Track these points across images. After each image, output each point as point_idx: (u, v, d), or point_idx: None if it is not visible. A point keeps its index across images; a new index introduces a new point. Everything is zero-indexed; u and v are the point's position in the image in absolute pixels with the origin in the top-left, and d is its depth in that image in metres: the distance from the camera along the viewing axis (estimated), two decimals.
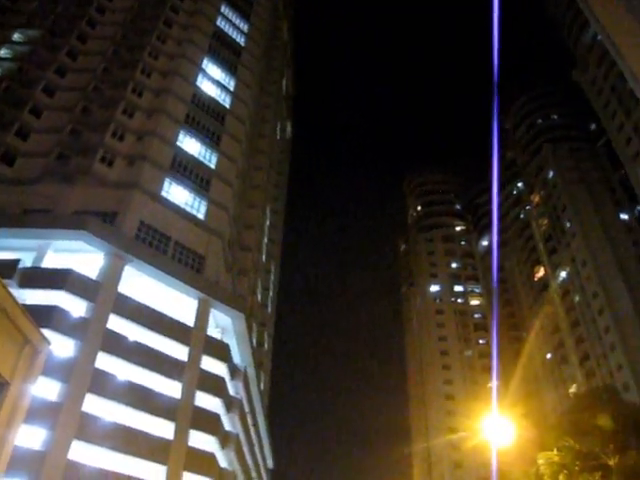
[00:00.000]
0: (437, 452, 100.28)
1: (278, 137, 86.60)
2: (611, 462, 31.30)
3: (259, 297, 64.54)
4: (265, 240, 71.57)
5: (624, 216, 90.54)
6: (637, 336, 72.13)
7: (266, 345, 66.21)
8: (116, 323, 35.81)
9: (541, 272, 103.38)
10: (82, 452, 31.19)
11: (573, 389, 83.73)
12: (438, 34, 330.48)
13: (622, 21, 55.51)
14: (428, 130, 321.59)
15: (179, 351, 38.35)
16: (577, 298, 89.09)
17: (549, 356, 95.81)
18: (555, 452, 33.46)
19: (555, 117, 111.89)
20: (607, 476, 31.04)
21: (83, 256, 37.72)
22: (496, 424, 31.42)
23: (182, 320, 39.68)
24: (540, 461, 34.05)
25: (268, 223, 75.31)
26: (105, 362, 34.19)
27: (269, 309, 72.82)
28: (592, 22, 63.97)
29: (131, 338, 36.45)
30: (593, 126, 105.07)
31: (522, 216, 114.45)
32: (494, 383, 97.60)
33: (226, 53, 64.03)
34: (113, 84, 52.07)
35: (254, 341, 53.32)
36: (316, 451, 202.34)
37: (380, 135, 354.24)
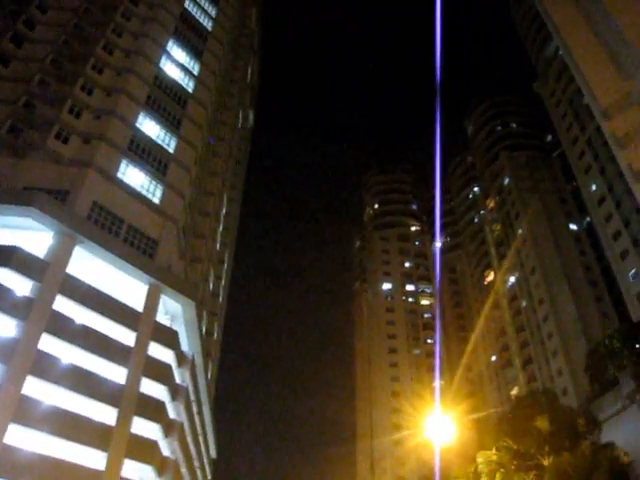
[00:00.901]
0: (381, 449, 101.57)
1: (239, 125, 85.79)
2: (545, 462, 32.37)
3: (211, 286, 63.91)
4: (220, 228, 70.87)
5: (573, 227, 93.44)
6: (578, 343, 74.56)
7: (215, 335, 65.59)
8: (62, 305, 34.84)
9: (491, 276, 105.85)
10: (20, 436, 30.33)
11: (515, 391, 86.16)
12: (409, 32, 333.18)
13: (583, 39, 57.19)
14: (390, 128, 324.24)
15: (126, 336, 37.63)
16: (524, 303, 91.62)
17: (494, 358, 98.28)
18: (494, 451, 34.36)
19: (514, 125, 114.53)
20: (541, 476, 32.07)
21: (31, 234, 36.49)
22: (439, 423, 32.09)
23: (131, 305, 38.94)
24: (479, 460, 34.90)
25: (224, 211, 74.55)
26: (49, 344, 33.25)
27: (220, 299, 72.17)
28: (555, 37, 65.76)
29: (78, 321, 35.55)
30: (550, 137, 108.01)
31: (476, 220, 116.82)
32: (437, 383, 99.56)
33: (192, 37, 62.95)
34: (73, 58, 50.35)
35: (204, 330, 52.84)
36: (260, 444, 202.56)
37: (342, 129, 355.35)
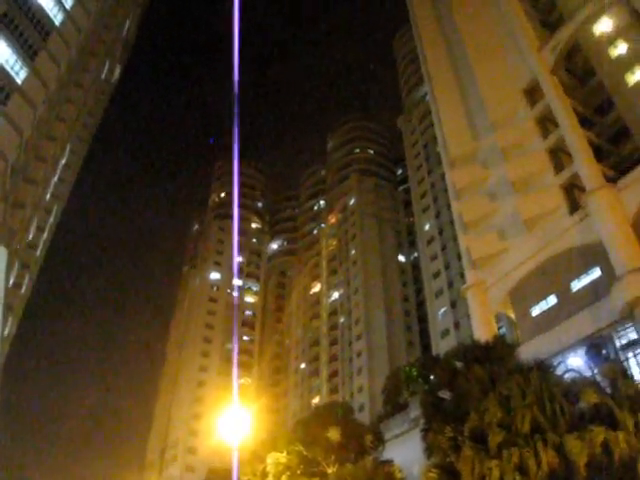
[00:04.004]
0: (175, 435, 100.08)
1: (103, 77, 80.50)
2: (329, 471, 34.02)
3: (30, 236, 59.02)
4: (55, 178, 65.86)
5: (402, 258, 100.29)
6: (382, 366, 79.66)
7: (24, 289, 60.55)
8: None
9: (317, 288, 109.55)
10: None
11: (316, 400, 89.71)
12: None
13: (449, 93, 61.81)
14: (256, 121, 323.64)
15: None
16: (342, 319, 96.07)
17: (303, 366, 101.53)
18: (284, 454, 35.34)
19: (371, 152, 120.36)
20: None
21: None
22: (237, 419, 32.31)
23: None
24: (269, 460, 35.67)
25: (64, 161, 69.41)
26: None
27: (38, 251, 66.83)
28: (426, 84, 70.31)
29: None
30: (400, 171, 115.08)
31: (315, 232, 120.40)
32: (236, 381, 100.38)
33: None
34: None
35: (11, 281, 48.53)
36: (44, 422, 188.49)
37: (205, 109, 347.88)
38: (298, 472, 34.26)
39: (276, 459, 35.61)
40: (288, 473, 34.32)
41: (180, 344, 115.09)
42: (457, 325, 68.46)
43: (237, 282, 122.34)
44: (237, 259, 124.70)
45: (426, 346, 79.54)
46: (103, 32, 70.63)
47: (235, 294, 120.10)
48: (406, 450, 35.50)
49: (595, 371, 23.99)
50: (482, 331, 43.93)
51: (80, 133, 76.87)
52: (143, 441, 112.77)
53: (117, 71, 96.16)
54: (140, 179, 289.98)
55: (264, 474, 35.02)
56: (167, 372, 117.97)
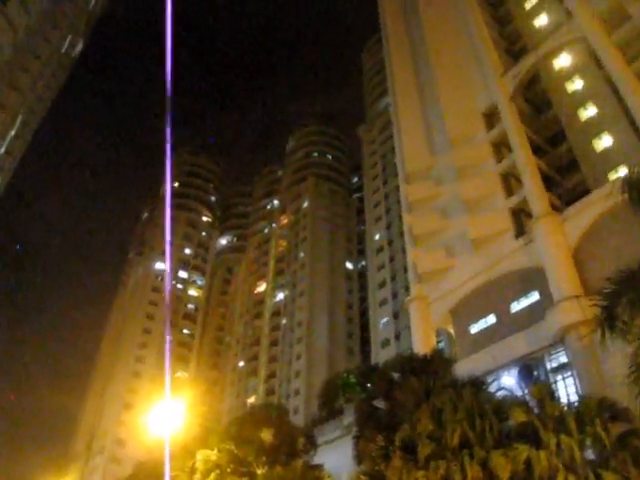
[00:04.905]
0: (104, 426, 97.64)
1: (63, 50, 78.19)
2: (259, 471, 33.96)
3: None
4: (2, 150, 63.56)
5: (349, 265, 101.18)
6: (321, 370, 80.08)
7: None
8: None
9: (263, 287, 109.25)
10: None
11: (252, 400, 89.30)
12: None
13: (411, 108, 62.90)
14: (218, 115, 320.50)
15: None
16: (284, 321, 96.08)
17: (242, 364, 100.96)
18: (215, 452, 35.08)
19: (330, 157, 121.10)
20: None
21: None
22: (169, 412, 31.88)
23: None
24: (199, 457, 35.31)
25: (13, 133, 67.07)
26: None
27: None
28: (390, 96, 71.28)
29: None
30: (356, 179, 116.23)
31: (266, 231, 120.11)
32: (167, 372, 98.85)
33: None
34: None
35: None
36: None
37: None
38: (228, 470, 34.05)
39: (206, 456, 35.30)
40: (217, 471, 34.07)
41: (118, 333, 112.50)
42: (398, 336, 69.44)
43: (164, 266, 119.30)
44: (168, 249, 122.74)
45: (366, 354, 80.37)
46: (67, 4, 68.70)
47: (167, 281, 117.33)
48: (337, 456, 35.83)
49: (525, 391, 24.79)
50: (421, 344, 44.79)
51: (34, 105, 74.41)
52: (71, 433, 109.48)
53: (79, 46, 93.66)
54: (95, 159, 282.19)
55: (192, 470, 34.66)
56: (101, 361, 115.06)
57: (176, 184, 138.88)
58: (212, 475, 33.71)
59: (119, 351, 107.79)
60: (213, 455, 35.27)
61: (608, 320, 16.77)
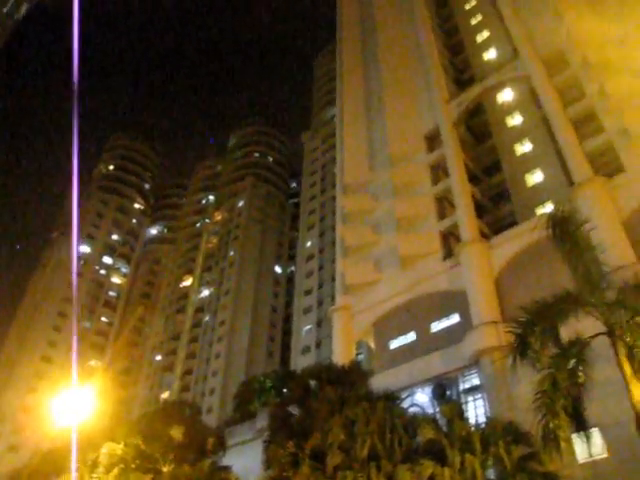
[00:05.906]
0: (3, 410, 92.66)
1: (5, 11, 74.64)
2: (165, 469, 33.25)
3: None
4: None
5: (278, 269, 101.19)
6: (238, 372, 79.47)
7: None
8: None
9: (189, 282, 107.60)
10: None
11: (165, 395, 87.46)
12: None
13: (356, 121, 63.78)
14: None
15: None
16: (207, 318, 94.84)
17: (159, 358, 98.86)
18: (122, 446, 34.07)
19: (270, 159, 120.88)
20: None
21: None
22: (76, 401, 30.69)
23: None
24: (103, 450, 34.18)
25: None
26: None
27: None
28: (337, 107, 71.98)
29: None
30: (294, 185, 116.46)
31: (198, 225, 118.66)
32: (74, 359, 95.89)
33: None
34: None
35: None
36: None
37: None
38: (133, 466, 33.12)
39: (111, 450, 34.21)
40: (122, 466, 33.07)
41: (31, 314, 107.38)
42: (319, 344, 69.83)
43: (89, 249, 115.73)
44: (75, 232, 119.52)
45: (285, 360, 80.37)
46: None
47: (73, 261, 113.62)
48: (247, 459, 35.69)
49: (437, 409, 25.51)
50: (341, 354, 45.17)
51: None
52: None
53: (24, 7, 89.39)
54: (30, 131, 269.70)
55: (95, 464, 33.51)
56: (9, 343, 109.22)
57: (111, 167, 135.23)
58: (115, 470, 32.68)
59: (30, 333, 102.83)
60: (119, 449, 34.22)
61: (520, 347, 17.45)
